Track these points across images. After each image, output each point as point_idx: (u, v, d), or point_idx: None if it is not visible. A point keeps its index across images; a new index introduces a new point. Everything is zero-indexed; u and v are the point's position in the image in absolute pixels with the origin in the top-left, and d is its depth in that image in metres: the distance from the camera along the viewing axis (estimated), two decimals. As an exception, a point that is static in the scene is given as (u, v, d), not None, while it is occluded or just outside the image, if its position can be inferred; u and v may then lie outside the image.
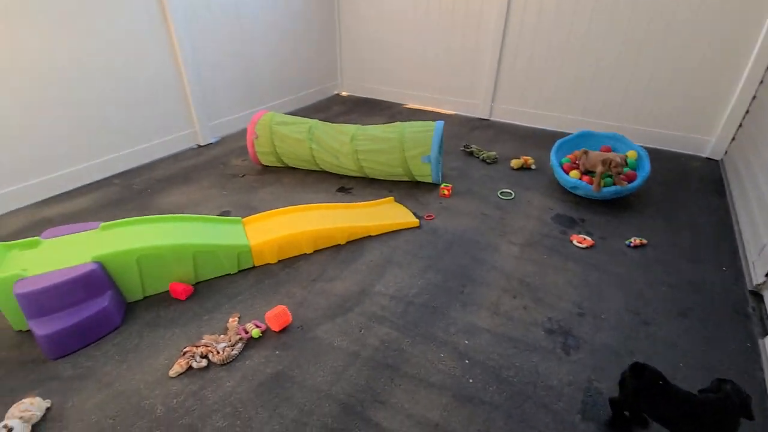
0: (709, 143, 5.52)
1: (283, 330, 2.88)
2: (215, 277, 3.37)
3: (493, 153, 5.43)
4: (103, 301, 2.82)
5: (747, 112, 5.04)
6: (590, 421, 2.20)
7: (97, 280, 2.83)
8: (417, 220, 4.05)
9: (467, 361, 2.59)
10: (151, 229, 3.31)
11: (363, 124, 5.08)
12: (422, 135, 4.47)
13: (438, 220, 4.12)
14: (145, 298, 3.18)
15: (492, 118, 7.00)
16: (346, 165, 4.78)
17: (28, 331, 2.85)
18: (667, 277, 3.31)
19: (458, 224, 4.06)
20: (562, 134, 6.07)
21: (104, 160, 4.97)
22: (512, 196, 4.57)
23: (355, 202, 4.40)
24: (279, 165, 5.22)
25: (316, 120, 5.06)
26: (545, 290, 3.14)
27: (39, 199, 4.46)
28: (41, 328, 2.61)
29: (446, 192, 4.54)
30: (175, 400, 2.42)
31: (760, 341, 2.67)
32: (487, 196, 4.59)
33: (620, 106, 5.89)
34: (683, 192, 4.70)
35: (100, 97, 4.72)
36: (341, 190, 4.76)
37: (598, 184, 4.12)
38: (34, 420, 2.27)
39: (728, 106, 5.21)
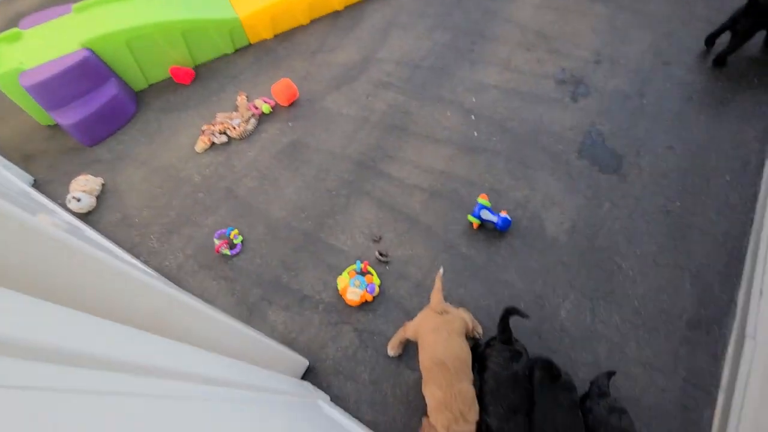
0: None
1: (292, 104, 2.93)
2: (214, 59, 3.24)
3: None
4: (111, 89, 2.83)
5: None
6: (585, 159, 2.37)
7: (94, 67, 2.77)
8: (423, -29, 3.45)
9: (473, 117, 2.65)
10: (129, 8, 2.99)
11: None
12: None
13: (448, -31, 3.50)
14: (151, 86, 3.17)
15: None
16: None
17: (56, 125, 3.00)
18: (707, 11, 2.91)
19: (472, -28, 3.45)
20: None
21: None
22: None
23: (350, -45, 3.69)
24: None
25: None
26: (563, 40, 2.89)
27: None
28: (64, 118, 2.74)
29: (459, -71, 3.69)
30: (207, 170, 2.71)
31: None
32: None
33: None
34: None
35: None
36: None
37: None
38: (95, 192, 2.65)
39: None
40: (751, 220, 2.02)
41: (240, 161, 2.72)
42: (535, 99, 2.64)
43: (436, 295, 1.82)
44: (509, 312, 1.71)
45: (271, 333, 2.13)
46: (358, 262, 2.22)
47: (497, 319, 1.98)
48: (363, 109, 2.82)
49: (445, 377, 1.54)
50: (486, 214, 2.17)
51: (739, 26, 2.42)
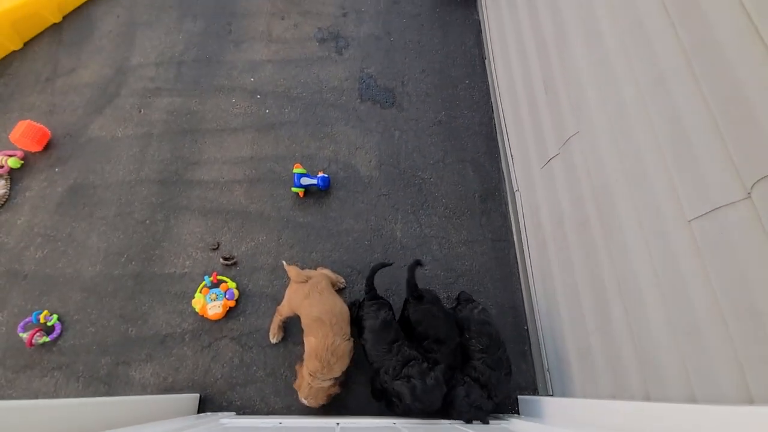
0: None
1: (47, 147, 2.46)
2: None
3: None
4: None
5: None
6: (367, 101, 2.67)
7: None
8: (142, -41, 3.13)
9: (259, 96, 2.67)
10: None
11: None
12: None
13: (169, -48, 3.24)
14: None
15: None
16: None
17: None
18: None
19: (197, -50, 3.28)
20: None
21: None
22: None
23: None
24: None
25: None
26: (309, 1, 3.05)
27: None
28: None
29: None
30: (-33, 262, 2.15)
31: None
32: None
33: None
34: None
35: None
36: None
37: None
38: None
39: None
40: (491, 107, 2.64)
41: (10, 234, 2.23)
42: (306, 62, 2.79)
43: (292, 270, 1.92)
44: (373, 271, 1.91)
45: (144, 390, 1.95)
46: (206, 277, 2.14)
47: (353, 266, 2.21)
48: (141, 125, 2.55)
49: (321, 329, 1.70)
50: (306, 180, 2.30)
51: None
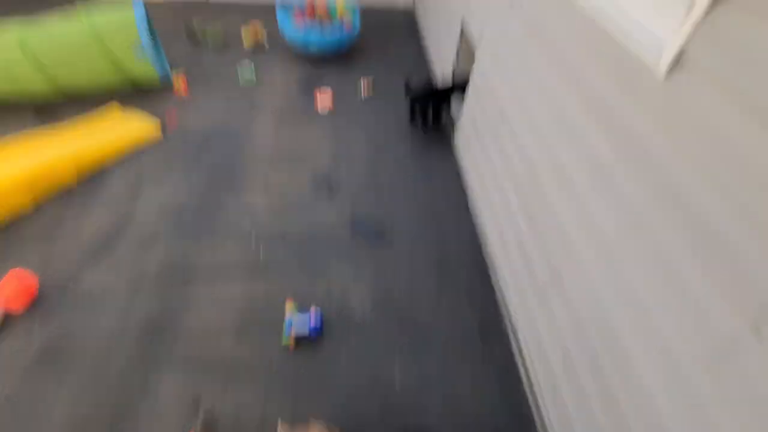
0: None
1: (35, 301, 2.39)
2: None
3: (219, 29, 4.93)
4: None
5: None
6: (359, 240, 2.76)
7: None
8: (157, 127, 3.56)
9: (254, 239, 2.75)
10: None
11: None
12: (120, 19, 3.63)
13: (183, 122, 3.72)
14: None
15: (210, -3, 6.12)
16: (32, 85, 3.60)
17: None
18: (392, 113, 3.98)
19: (207, 119, 3.77)
20: None
21: None
22: (254, 82, 4.38)
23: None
24: None
25: (-59, 27, 3.45)
26: (304, 151, 3.42)
27: None
28: None
29: (182, 87, 4.03)
30: None
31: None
32: (228, 82, 4.30)
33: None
34: (392, 39, 5.47)
35: None
36: (40, 114, 3.66)
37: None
38: None
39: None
40: (478, 239, 2.73)
41: (-37, 406, 1.99)
42: (301, 206, 2.97)
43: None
44: None
45: None
46: (180, 446, 1.87)
47: (349, 418, 1.98)
48: (133, 272, 2.55)
49: None
50: (298, 328, 2.20)
51: (416, 108, 3.56)
